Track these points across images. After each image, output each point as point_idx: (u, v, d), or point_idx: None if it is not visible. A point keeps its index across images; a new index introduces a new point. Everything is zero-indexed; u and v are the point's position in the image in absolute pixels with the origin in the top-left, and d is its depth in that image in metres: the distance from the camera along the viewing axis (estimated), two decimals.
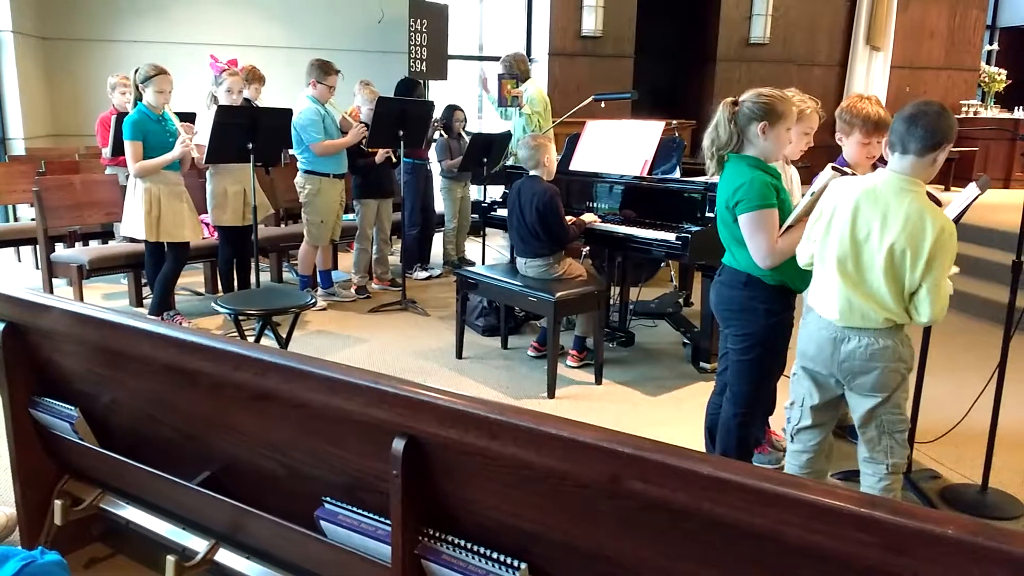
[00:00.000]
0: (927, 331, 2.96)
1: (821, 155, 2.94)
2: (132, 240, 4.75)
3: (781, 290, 2.55)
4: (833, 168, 2.46)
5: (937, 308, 2.15)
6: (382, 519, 1.59)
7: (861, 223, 2.20)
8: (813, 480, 1.09)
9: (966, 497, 2.90)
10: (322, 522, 1.68)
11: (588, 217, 4.20)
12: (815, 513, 1.04)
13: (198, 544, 1.99)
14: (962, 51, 9.85)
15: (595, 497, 1.29)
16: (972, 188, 2.86)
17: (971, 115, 9.75)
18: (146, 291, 5.15)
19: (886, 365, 2.24)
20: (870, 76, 9.35)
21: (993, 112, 10.01)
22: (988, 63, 10.37)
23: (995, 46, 10.67)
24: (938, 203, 2.37)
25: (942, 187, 9.15)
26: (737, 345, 2.62)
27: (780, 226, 2.48)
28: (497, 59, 6.14)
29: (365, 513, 1.63)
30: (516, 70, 5.73)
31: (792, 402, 3.35)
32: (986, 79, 10.23)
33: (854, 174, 2.53)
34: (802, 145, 2.96)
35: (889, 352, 2.23)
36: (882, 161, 3.01)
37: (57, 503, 2.18)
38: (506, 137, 5.90)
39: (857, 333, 2.24)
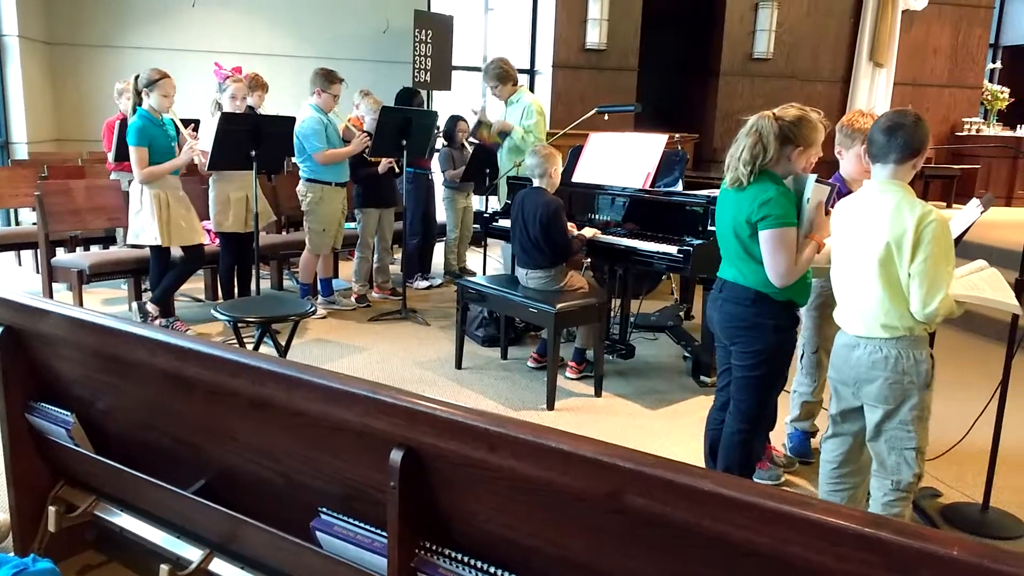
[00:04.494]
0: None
1: (822, 170, 2.93)
2: (137, 247, 4.74)
3: (788, 306, 2.56)
4: (818, 181, 2.50)
5: (922, 296, 2.16)
6: (378, 531, 1.57)
7: (856, 234, 2.30)
8: (816, 498, 1.07)
9: (967, 516, 2.88)
10: (318, 533, 1.66)
11: (588, 232, 4.18)
12: (818, 532, 1.03)
13: (193, 553, 1.97)
14: (965, 69, 9.86)
15: (594, 512, 1.28)
16: (974, 205, 2.85)
17: (974, 133, 9.76)
18: (146, 297, 5.14)
19: (887, 375, 2.26)
20: (873, 92, 9.36)
21: (996, 130, 10.02)
22: (991, 81, 10.38)
23: (998, 64, 10.69)
24: None
25: (944, 204, 9.16)
26: (744, 361, 2.60)
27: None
28: None
29: (361, 524, 1.61)
30: (507, 74, 5.26)
31: (790, 418, 3.37)
32: (989, 97, 10.24)
33: (822, 182, 2.56)
34: (812, 156, 2.95)
35: (892, 362, 2.25)
36: None
37: (51, 509, 2.16)
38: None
39: (864, 341, 2.30)
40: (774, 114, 2.48)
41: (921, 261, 2.15)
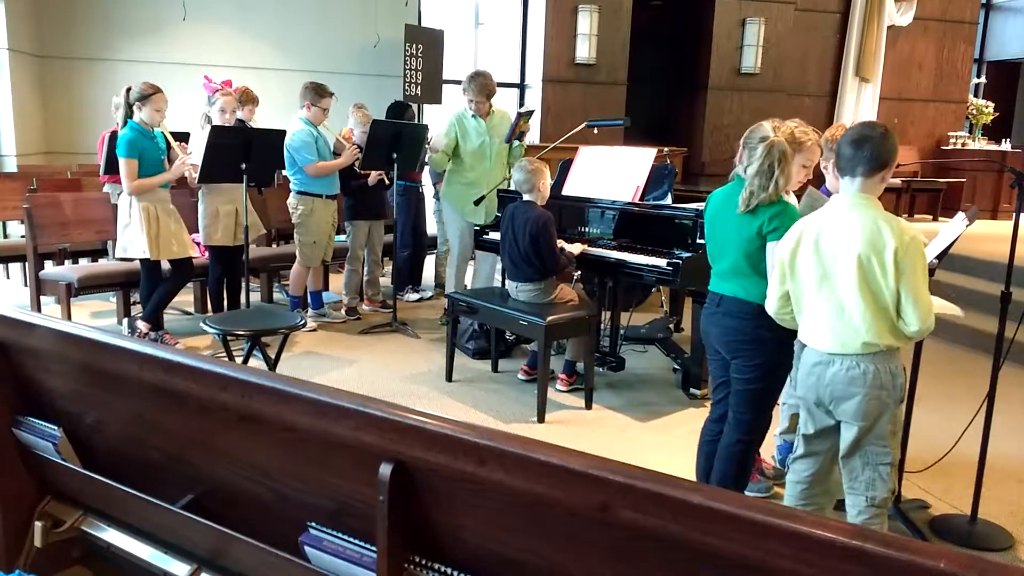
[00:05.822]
0: (916, 360, 2.96)
1: (813, 184, 2.97)
2: (127, 260, 4.72)
3: None
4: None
5: (921, 313, 2.15)
6: (368, 545, 1.57)
7: (826, 249, 2.25)
8: (805, 511, 1.08)
9: (955, 528, 2.89)
10: (307, 548, 1.65)
11: (576, 248, 4.17)
12: (806, 545, 1.03)
13: (180, 569, 1.95)
14: (950, 84, 9.98)
15: (585, 525, 1.28)
16: (959, 218, 2.88)
17: (959, 147, 9.86)
18: (135, 310, 5.11)
19: (866, 392, 2.22)
20: (859, 107, 9.45)
21: (980, 144, 10.13)
22: (975, 96, 10.50)
23: (982, 79, 10.81)
24: None
25: (930, 217, 9.24)
26: (745, 375, 2.61)
27: None
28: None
29: (351, 539, 1.60)
30: (493, 91, 5.22)
31: (780, 431, 3.37)
32: (974, 111, 10.35)
33: None
34: (801, 176, 2.97)
35: (869, 378, 2.22)
36: None
37: (37, 525, 2.13)
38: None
39: (839, 358, 2.25)
40: (786, 139, 2.52)
41: (911, 279, 2.13)
